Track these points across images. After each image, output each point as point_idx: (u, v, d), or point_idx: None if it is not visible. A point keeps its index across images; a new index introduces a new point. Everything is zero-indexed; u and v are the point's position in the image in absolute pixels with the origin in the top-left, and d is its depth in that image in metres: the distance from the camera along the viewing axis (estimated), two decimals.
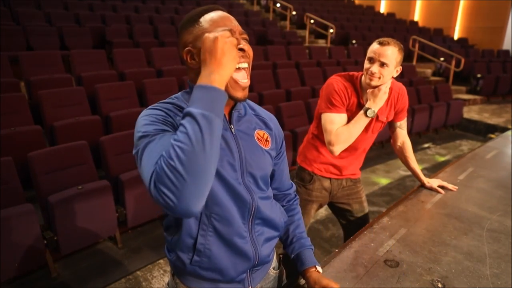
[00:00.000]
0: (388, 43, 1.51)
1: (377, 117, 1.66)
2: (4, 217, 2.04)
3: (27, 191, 2.50)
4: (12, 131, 2.75)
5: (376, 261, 1.23)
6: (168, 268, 2.47)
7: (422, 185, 1.87)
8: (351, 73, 1.69)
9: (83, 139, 2.69)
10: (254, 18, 8.02)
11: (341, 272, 1.17)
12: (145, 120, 0.82)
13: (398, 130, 1.80)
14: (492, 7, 10.56)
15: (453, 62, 7.88)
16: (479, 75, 7.89)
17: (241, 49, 0.84)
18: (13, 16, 5.09)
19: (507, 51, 10.00)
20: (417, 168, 1.87)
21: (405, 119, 1.80)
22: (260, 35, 6.95)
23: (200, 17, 0.86)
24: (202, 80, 0.74)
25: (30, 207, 2.17)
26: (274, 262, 1.11)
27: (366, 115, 1.55)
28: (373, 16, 11.65)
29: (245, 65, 0.86)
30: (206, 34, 0.78)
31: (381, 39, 1.54)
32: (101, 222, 2.52)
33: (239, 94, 0.86)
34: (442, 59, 8.48)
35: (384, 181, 4.09)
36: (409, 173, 4.06)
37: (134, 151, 0.81)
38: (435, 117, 5.65)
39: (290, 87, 4.98)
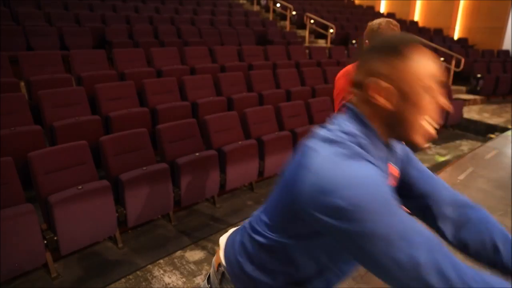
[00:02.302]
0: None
1: None
2: (4, 217, 2.04)
3: (27, 191, 2.50)
4: (12, 131, 2.75)
5: None
6: (168, 268, 2.47)
7: None
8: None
9: (83, 139, 2.69)
10: (254, 18, 8.02)
11: None
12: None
13: None
14: (492, 7, 10.55)
15: (453, 62, 7.88)
16: (479, 75, 7.89)
17: (444, 109, 0.73)
18: (13, 16, 5.09)
19: (507, 51, 10.00)
20: None
21: None
22: (260, 35, 6.94)
23: (406, 51, 0.70)
24: None
25: (30, 207, 2.17)
26: None
27: None
28: (373, 16, 11.61)
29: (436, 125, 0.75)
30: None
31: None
32: (101, 222, 2.52)
33: (420, 140, 0.74)
34: (442, 59, 8.47)
35: None
36: None
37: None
38: None
39: (290, 87, 4.97)
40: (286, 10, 9.11)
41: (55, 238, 2.30)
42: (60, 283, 2.34)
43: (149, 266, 2.50)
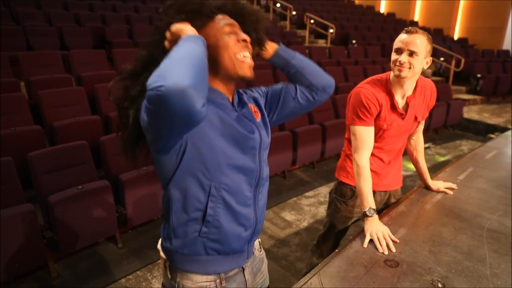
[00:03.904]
0: (416, 31, 1.44)
1: (416, 118, 1.62)
2: (4, 217, 2.04)
3: (27, 191, 2.50)
4: (12, 131, 2.75)
5: (376, 261, 1.23)
6: None
7: (427, 187, 1.83)
8: (377, 76, 1.60)
9: (83, 139, 2.69)
10: None
11: (341, 272, 1.17)
12: None
13: (418, 126, 1.74)
14: (492, 7, 10.56)
15: (453, 62, 7.88)
16: (479, 75, 7.89)
17: (244, 40, 0.94)
18: (13, 16, 5.09)
19: (507, 51, 10.00)
20: (425, 168, 1.81)
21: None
22: None
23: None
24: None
25: (30, 207, 2.17)
26: (257, 244, 1.17)
27: (367, 215, 1.45)
28: (373, 16, 11.64)
29: (247, 54, 0.95)
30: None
31: (408, 28, 1.48)
32: (101, 222, 2.52)
33: (248, 72, 0.95)
34: (442, 59, 8.48)
35: None
36: (409, 173, 4.06)
37: None
38: (435, 117, 5.64)
39: None
40: (286, 10, 9.12)
41: (55, 238, 2.30)
42: (60, 283, 2.34)
43: (149, 266, 2.50)
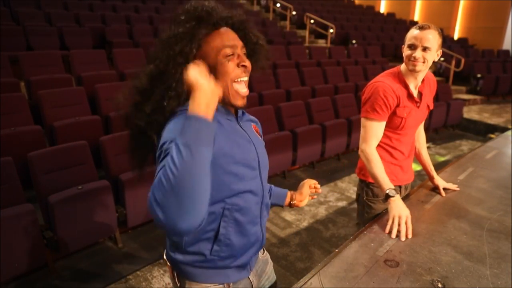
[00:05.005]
0: (429, 27, 1.51)
1: (428, 106, 1.71)
2: (4, 217, 2.04)
3: (27, 191, 2.50)
4: (12, 131, 2.75)
5: (376, 261, 1.23)
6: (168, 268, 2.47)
7: (430, 180, 1.86)
8: (389, 70, 1.68)
9: (83, 139, 2.69)
10: (254, 18, 8.01)
11: (341, 272, 1.17)
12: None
13: None
14: (492, 7, 10.56)
15: (453, 62, 7.88)
16: (479, 75, 7.89)
17: (244, 66, 0.95)
18: (13, 16, 5.09)
19: (507, 51, 10.00)
20: (429, 160, 1.87)
21: None
22: None
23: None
24: (190, 109, 0.78)
25: (30, 207, 2.17)
26: None
27: (390, 195, 1.50)
28: (373, 16, 11.64)
29: (246, 78, 0.97)
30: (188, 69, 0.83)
31: (420, 24, 1.54)
32: (101, 222, 2.51)
33: (239, 102, 0.97)
34: (442, 59, 8.47)
35: None
36: None
37: None
38: (435, 117, 5.65)
39: (290, 87, 4.98)
40: (286, 10, 9.12)
41: (55, 238, 2.30)
42: (60, 283, 2.34)
43: (149, 266, 2.50)
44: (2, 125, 2.80)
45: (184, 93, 0.89)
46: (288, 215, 3.23)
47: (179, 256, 1.01)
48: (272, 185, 1.33)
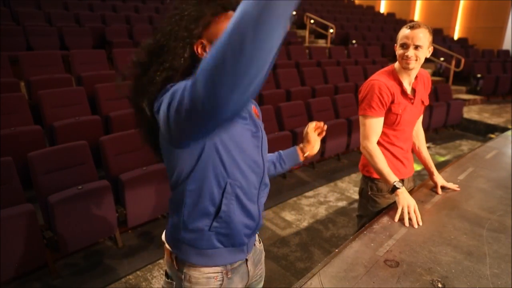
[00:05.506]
0: (419, 26, 1.56)
1: (422, 102, 1.75)
2: (4, 217, 2.04)
3: (27, 191, 2.50)
4: (12, 131, 2.75)
5: (376, 261, 1.23)
6: None
7: (430, 177, 1.87)
8: (384, 69, 1.73)
9: (83, 139, 2.69)
10: None
11: (341, 272, 1.17)
12: None
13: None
14: (492, 7, 10.56)
15: (453, 62, 7.88)
16: (479, 75, 7.89)
17: None
18: (13, 16, 5.09)
19: (507, 51, 10.00)
20: (429, 158, 1.90)
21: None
22: None
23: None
24: None
25: (30, 207, 2.17)
26: (256, 237, 1.22)
27: (397, 187, 1.56)
28: (373, 16, 11.64)
29: None
30: None
31: (410, 24, 1.59)
32: (101, 222, 2.51)
33: None
34: (442, 59, 8.48)
35: None
36: None
37: None
38: (435, 117, 5.65)
39: (290, 87, 4.98)
40: None
41: (55, 238, 2.30)
42: (60, 283, 2.34)
43: (149, 266, 2.50)
44: (2, 125, 2.80)
45: (182, 68, 0.90)
46: (288, 215, 3.23)
47: (178, 235, 1.01)
48: (280, 151, 1.33)
